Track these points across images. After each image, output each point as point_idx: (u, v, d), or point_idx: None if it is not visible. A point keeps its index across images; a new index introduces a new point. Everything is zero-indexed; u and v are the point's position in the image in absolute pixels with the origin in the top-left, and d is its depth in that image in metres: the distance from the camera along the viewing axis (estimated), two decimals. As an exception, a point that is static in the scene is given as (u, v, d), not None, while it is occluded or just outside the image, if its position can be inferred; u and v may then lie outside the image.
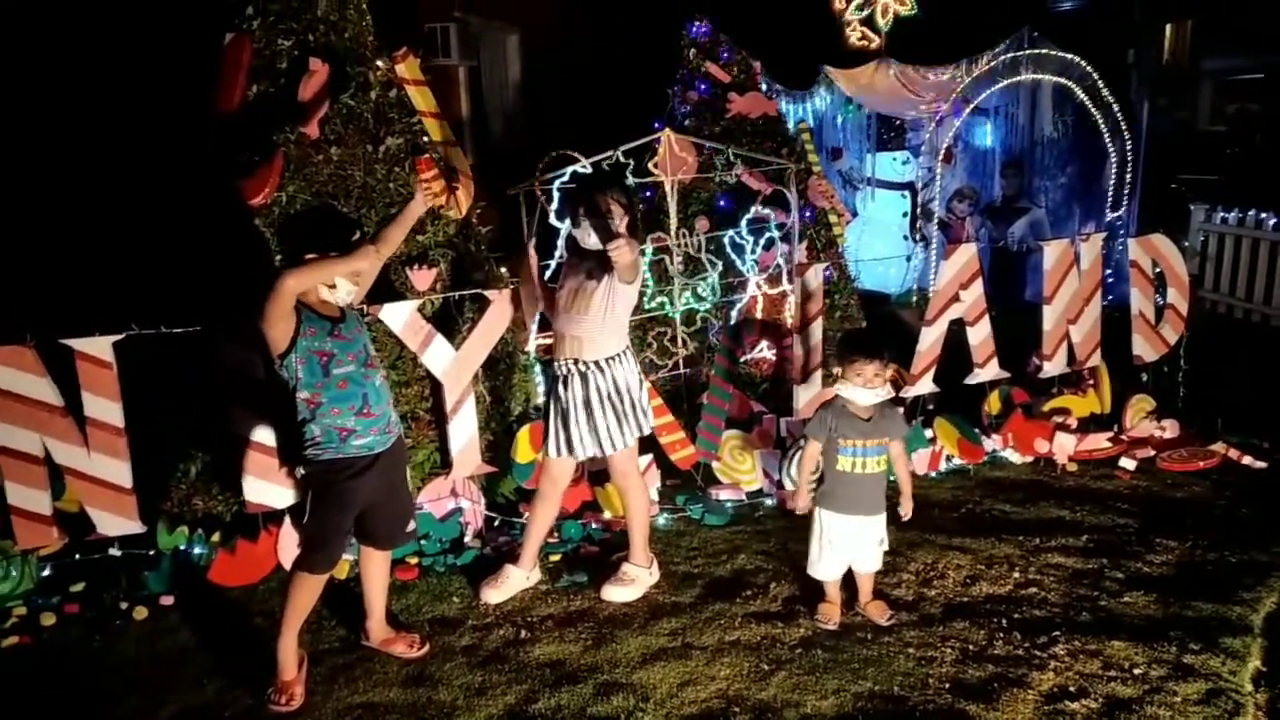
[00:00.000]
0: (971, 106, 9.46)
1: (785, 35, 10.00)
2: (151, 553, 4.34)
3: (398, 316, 4.44)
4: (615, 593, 4.16)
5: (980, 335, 5.64)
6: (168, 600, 4.19)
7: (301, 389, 3.38)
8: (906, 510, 3.96)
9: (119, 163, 5.37)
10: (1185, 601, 4.01)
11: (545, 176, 5.09)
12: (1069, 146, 10.23)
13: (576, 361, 3.97)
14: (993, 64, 9.23)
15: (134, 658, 3.83)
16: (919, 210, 10.69)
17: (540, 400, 5.10)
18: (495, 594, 4.18)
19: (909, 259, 10.43)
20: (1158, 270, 6.14)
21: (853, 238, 9.55)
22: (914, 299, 9.50)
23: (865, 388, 3.77)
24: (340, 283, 3.42)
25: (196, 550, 4.36)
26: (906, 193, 10.89)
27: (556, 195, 5.12)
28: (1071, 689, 3.44)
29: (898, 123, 11.13)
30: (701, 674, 3.60)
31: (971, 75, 9.35)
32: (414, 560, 4.49)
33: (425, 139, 4.98)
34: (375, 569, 3.79)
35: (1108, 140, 8.97)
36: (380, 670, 3.67)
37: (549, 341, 5.59)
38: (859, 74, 10.31)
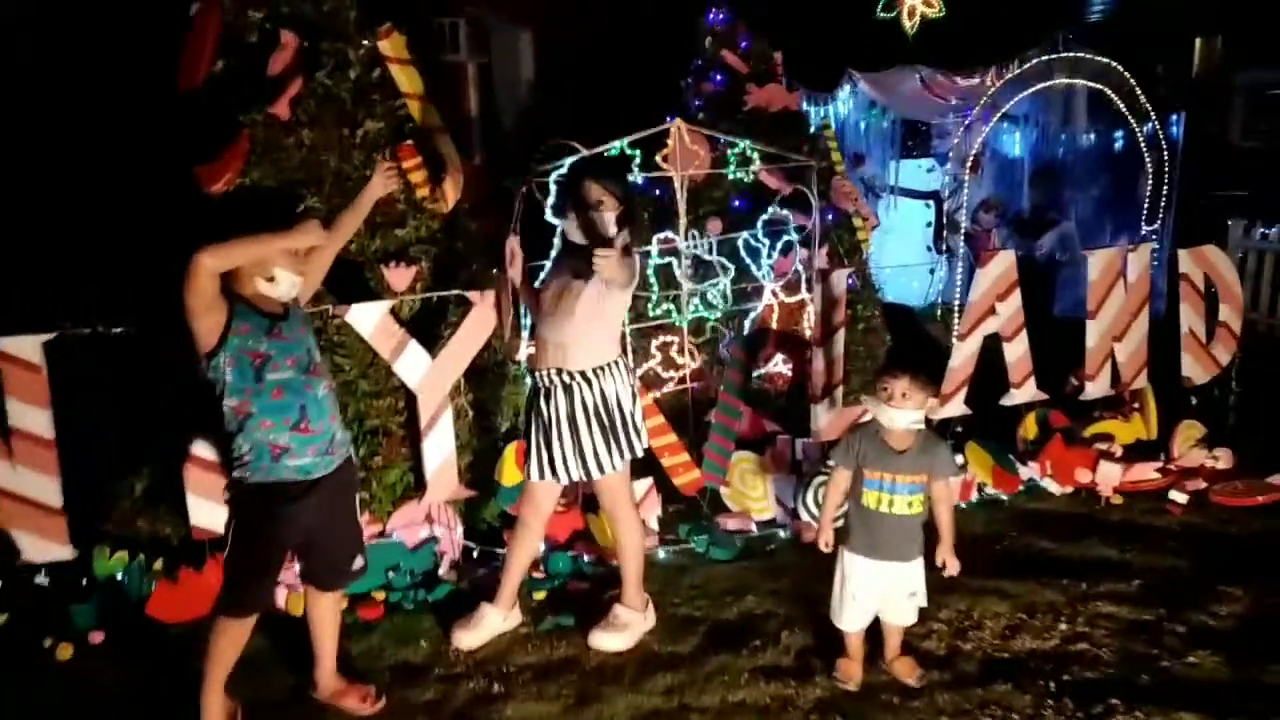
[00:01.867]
0: (1001, 113, 8.96)
1: (808, 36, 9.56)
2: (85, 582, 3.85)
3: (367, 318, 3.95)
4: (604, 639, 3.65)
5: (1017, 352, 5.11)
6: (97, 637, 3.70)
7: (229, 395, 2.90)
8: (948, 563, 3.43)
9: (56, 141, 4.89)
10: (1260, 663, 3.47)
11: (541, 168, 4.60)
12: (1101, 156, 9.73)
13: (560, 372, 3.49)
14: (1025, 68, 8.76)
15: (47, 705, 3.34)
16: (944, 220, 10.20)
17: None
18: (468, 637, 3.68)
19: (933, 271, 9.95)
20: (1211, 289, 5.62)
21: (874, 247, 9.10)
22: (938, 312, 9.00)
23: (890, 406, 3.26)
24: (280, 274, 2.93)
25: (135, 579, 3.86)
26: (931, 202, 10.43)
27: (554, 188, 4.63)
28: (1137, 774, 2.92)
29: (923, 129, 10.68)
30: (699, 743, 3.10)
31: (1002, 79, 8.87)
32: (380, 596, 3.99)
33: (410, 124, 4.51)
34: (322, 611, 3.29)
35: (1145, 150, 8.46)
36: (328, 730, 3.18)
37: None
38: (884, 78, 9.88)
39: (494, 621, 3.72)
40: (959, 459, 5.01)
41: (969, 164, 9.30)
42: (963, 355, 4.99)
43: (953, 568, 3.42)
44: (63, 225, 4.68)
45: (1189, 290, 5.57)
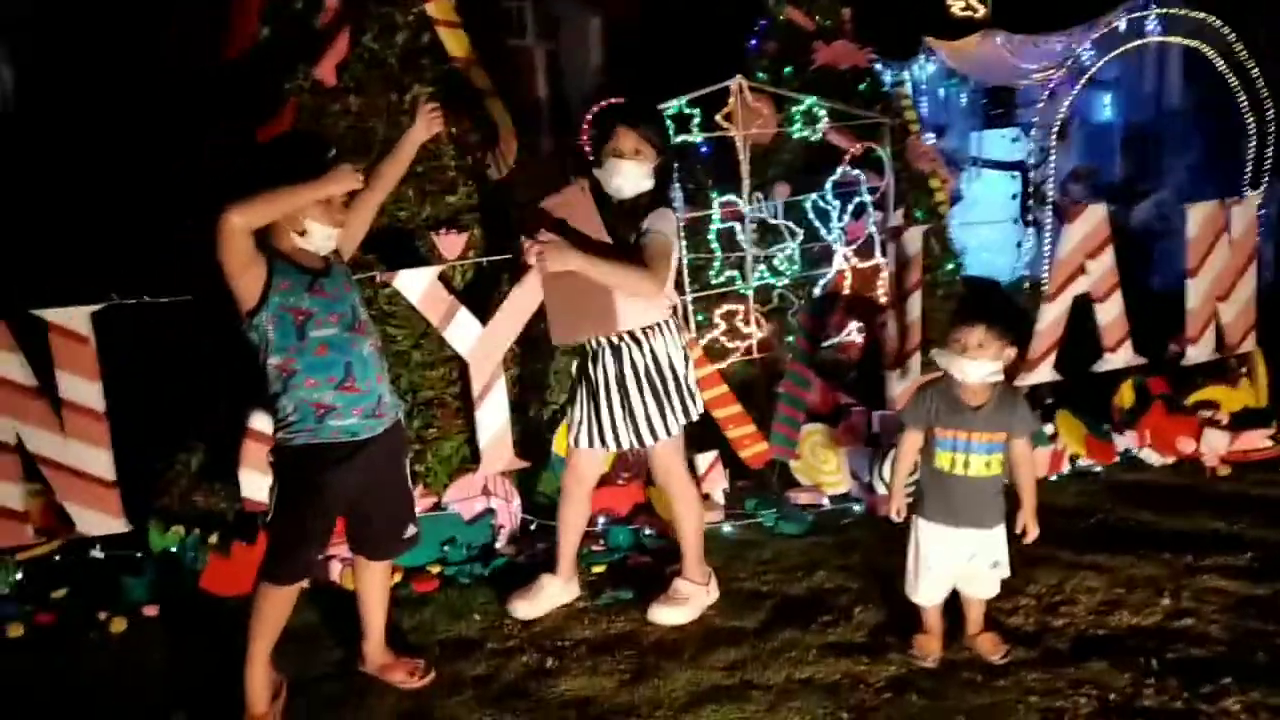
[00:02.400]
0: (1088, 75, 8.51)
1: (882, 4, 9.25)
2: (139, 555, 3.81)
3: (416, 284, 3.83)
4: (664, 614, 3.46)
5: (1111, 314, 4.76)
6: (151, 611, 3.65)
7: (272, 354, 2.78)
8: (1029, 529, 3.15)
9: (102, 112, 4.89)
10: (1392, 641, 3.12)
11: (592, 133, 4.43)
12: (1199, 121, 9.17)
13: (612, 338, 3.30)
14: (1114, 26, 8.29)
15: (97, 677, 3.29)
16: (1030, 192, 9.76)
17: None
18: (527, 607, 3.52)
19: (1019, 245, 9.51)
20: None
21: (957, 221, 8.75)
22: (1025, 287, 8.58)
23: (965, 358, 2.99)
24: (312, 225, 2.80)
25: (189, 554, 3.80)
26: (1017, 173, 9.99)
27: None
28: (1254, 759, 2.62)
29: (1006, 97, 10.24)
30: (762, 721, 2.88)
31: (1089, 38, 8.41)
32: (435, 569, 3.86)
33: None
34: (371, 582, 3.17)
35: (1247, 112, 7.92)
36: (373, 703, 3.04)
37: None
38: (963, 45, 9.49)
39: (553, 592, 3.56)
40: (1049, 428, 4.69)
41: (1055, 132, 8.87)
42: (1051, 317, 4.66)
43: (1033, 534, 3.14)
44: (109, 197, 4.67)
45: (1302, 246, 5.14)
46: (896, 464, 3.27)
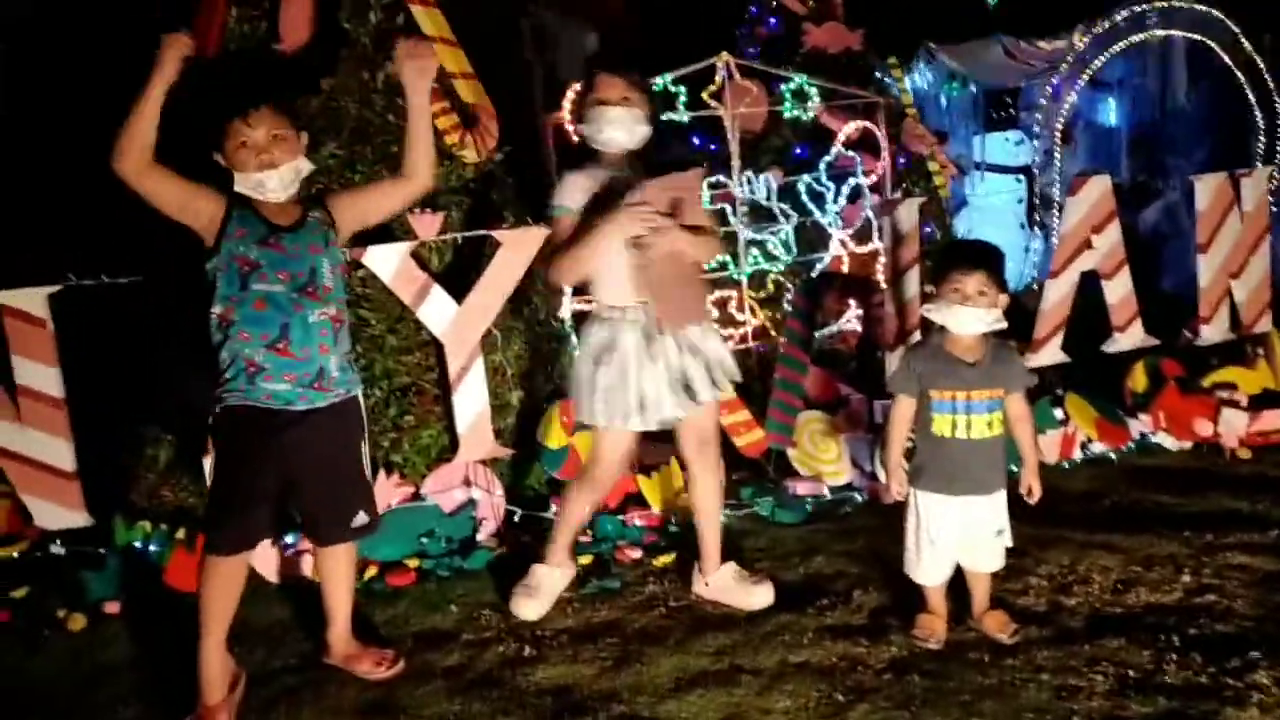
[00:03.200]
0: (1089, 73, 8.39)
1: (881, 7, 9.18)
2: (102, 551, 3.63)
3: (387, 261, 3.67)
4: (761, 594, 3.24)
5: (1119, 292, 4.57)
6: (113, 607, 3.46)
7: (216, 302, 2.66)
8: (1032, 487, 2.95)
9: (59, 92, 4.76)
10: None
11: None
12: (1206, 120, 9.01)
13: (647, 304, 3.03)
14: (1116, 22, 8.16)
15: (49, 676, 3.10)
16: (1036, 196, 9.61)
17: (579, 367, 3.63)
18: (532, 606, 3.24)
19: (1027, 249, 9.35)
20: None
21: (962, 227, 8.60)
22: (1035, 288, 8.41)
23: (965, 306, 2.80)
24: (239, 175, 2.65)
25: (153, 548, 3.62)
26: (1022, 177, 9.84)
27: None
28: (1289, 733, 2.39)
29: (1009, 100, 10.11)
30: (752, 706, 2.66)
31: (1090, 34, 8.29)
32: (413, 563, 3.67)
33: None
34: (330, 569, 2.97)
35: (1255, 107, 7.77)
36: (335, 695, 2.84)
37: (588, 307, 4.78)
38: (964, 50, 9.41)
39: (552, 580, 3.31)
40: (1058, 412, 4.48)
41: (1059, 134, 8.73)
42: (1057, 295, 4.47)
43: (1037, 492, 2.95)
44: (66, 172, 4.53)
45: (1317, 221, 4.94)
46: (889, 437, 3.04)
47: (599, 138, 3.01)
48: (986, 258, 2.84)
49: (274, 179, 2.68)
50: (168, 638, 3.25)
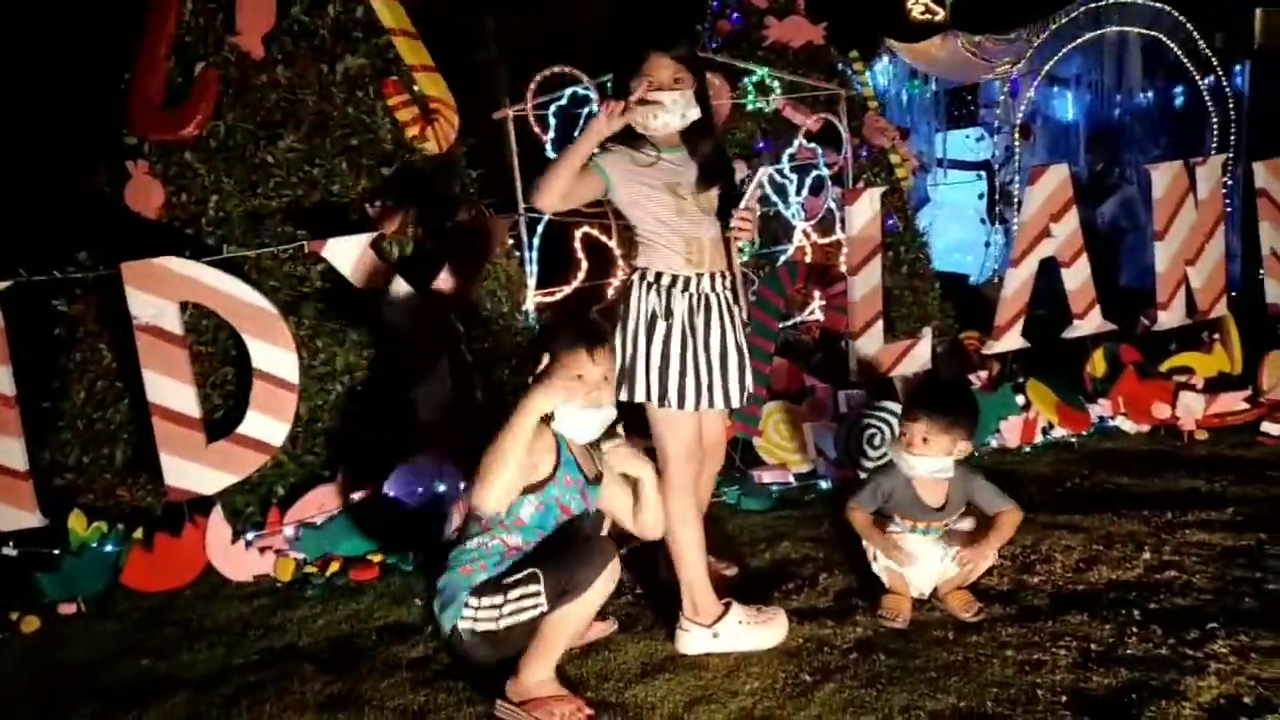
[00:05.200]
0: (1046, 70, 8.48)
1: (842, 5, 9.24)
2: (56, 553, 3.55)
3: (347, 253, 3.63)
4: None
5: (1078, 279, 4.62)
6: (68, 609, 3.40)
7: None
8: (974, 562, 2.99)
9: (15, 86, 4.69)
10: (1386, 584, 2.94)
11: (539, 99, 4.28)
12: (1161, 115, 9.15)
13: (718, 277, 2.89)
14: (1072, 17, 8.27)
15: (2, 678, 3.03)
16: (997, 192, 9.71)
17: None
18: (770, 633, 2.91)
19: (988, 244, 9.45)
20: None
21: (924, 222, 8.68)
22: (995, 282, 8.48)
23: (910, 452, 2.92)
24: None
25: (109, 548, 3.55)
26: (982, 173, 9.95)
27: (553, 122, 4.31)
28: (1247, 700, 2.41)
29: (969, 98, 10.21)
30: (719, 689, 2.65)
31: (1048, 31, 8.39)
32: (377, 558, 3.62)
33: (396, 62, 4.22)
34: None
35: (1208, 100, 7.88)
36: (298, 690, 2.79)
37: (549, 298, 4.77)
38: (924, 48, 9.49)
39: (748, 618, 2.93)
40: (1020, 398, 4.52)
41: (1018, 130, 8.82)
42: (1017, 282, 4.51)
43: (978, 565, 3.00)
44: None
45: (1269, 207, 5.02)
46: (866, 536, 3.10)
47: (651, 124, 2.73)
48: (938, 406, 2.93)
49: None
50: (122, 640, 3.21)
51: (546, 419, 2.63)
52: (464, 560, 2.68)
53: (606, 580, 2.55)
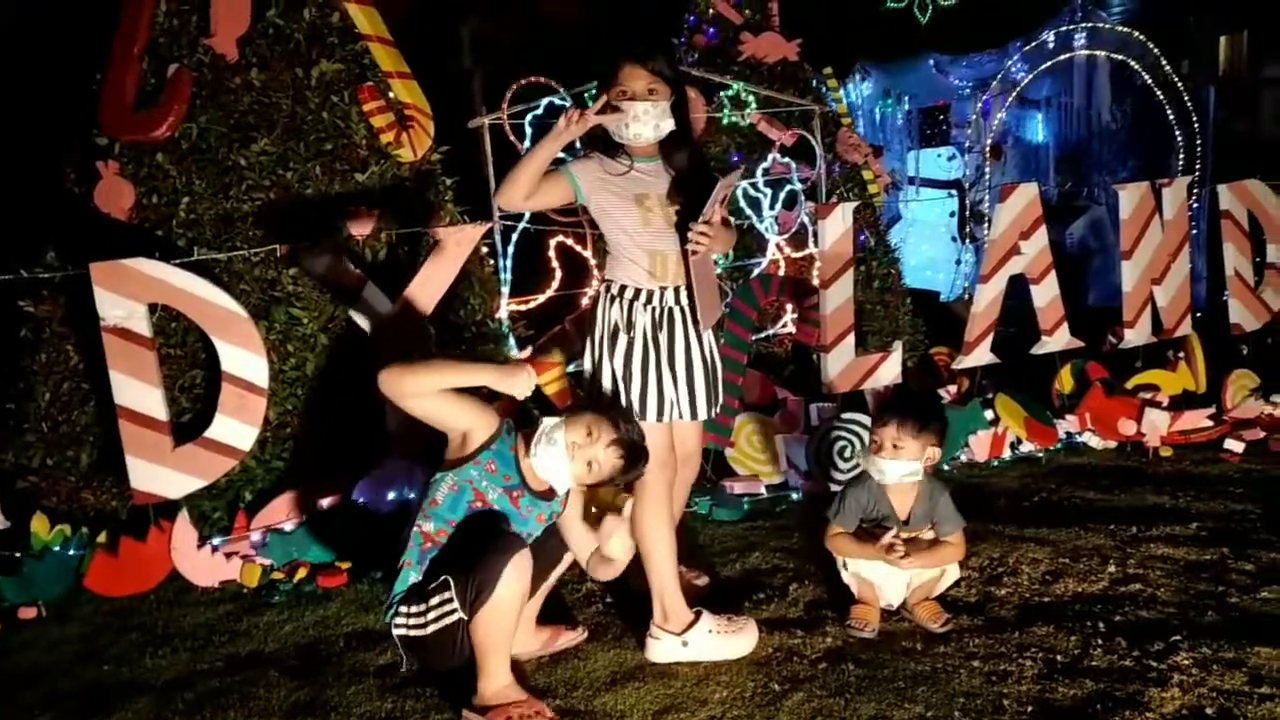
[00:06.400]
0: (1017, 91, 8.60)
1: (817, 24, 9.33)
2: (18, 555, 3.50)
3: (319, 259, 3.61)
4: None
5: (1046, 296, 4.68)
6: (28, 613, 3.34)
7: None
8: (900, 552, 2.94)
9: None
10: (1343, 597, 2.99)
11: (515, 108, 4.28)
12: (1130, 137, 9.31)
13: (682, 290, 2.90)
14: (1043, 40, 8.40)
15: (-42, 684, 2.97)
16: (968, 210, 9.82)
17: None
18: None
19: (958, 261, 9.54)
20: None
21: (896, 239, 8.77)
22: (966, 299, 8.57)
23: (880, 457, 2.95)
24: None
25: (71, 552, 3.50)
26: (954, 192, 10.05)
27: (530, 130, 4.31)
28: (1209, 710, 2.44)
29: (941, 117, 10.33)
30: (688, 698, 2.65)
31: (1020, 52, 8.53)
32: (345, 565, 3.59)
33: (372, 68, 4.21)
34: None
35: (1174, 124, 8.01)
36: (263, 696, 2.76)
37: (523, 306, 4.77)
38: (896, 69, 9.62)
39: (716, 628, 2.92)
40: (988, 413, 4.56)
41: (988, 150, 8.92)
42: (987, 298, 4.56)
43: (902, 561, 2.94)
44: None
45: (1232, 229, 5.12)
46: (847, 553, 3.08)
47: (624, 134, 2.76)
48: (909, 411, 2.96)
49: None
50: (84, 644, 3.16)
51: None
52: (403, 555, 2.66)
53: (513, 574, 2.49)
